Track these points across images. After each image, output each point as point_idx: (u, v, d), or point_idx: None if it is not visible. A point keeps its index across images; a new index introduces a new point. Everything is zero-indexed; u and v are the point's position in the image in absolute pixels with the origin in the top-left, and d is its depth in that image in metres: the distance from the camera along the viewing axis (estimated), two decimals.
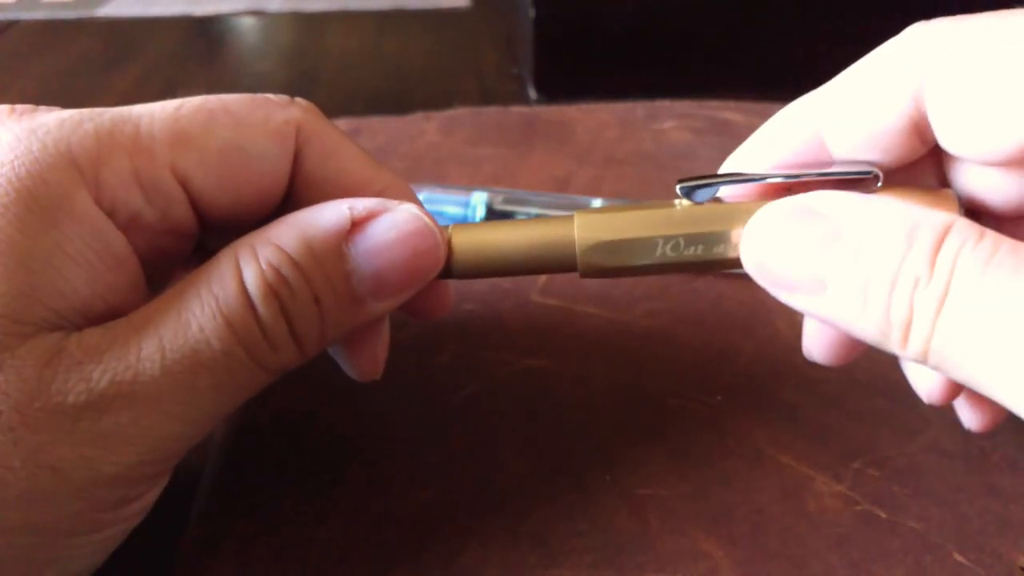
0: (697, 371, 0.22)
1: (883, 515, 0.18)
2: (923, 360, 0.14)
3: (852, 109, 0.16)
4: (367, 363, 0.18)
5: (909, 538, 0.18)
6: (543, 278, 0.26)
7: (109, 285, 0.15)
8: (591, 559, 0.17)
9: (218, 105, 0.16)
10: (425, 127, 0.35)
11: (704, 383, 0.22)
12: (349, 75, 0.48)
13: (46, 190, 0.14)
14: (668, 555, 0.17)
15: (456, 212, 0.27)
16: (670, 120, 0.35)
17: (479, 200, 0.27)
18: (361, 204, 0.16)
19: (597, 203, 0.26)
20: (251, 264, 0.15)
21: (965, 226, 0.13)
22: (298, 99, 0.18)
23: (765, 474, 0.19)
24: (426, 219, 0.16)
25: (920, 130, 0.16)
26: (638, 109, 0.36)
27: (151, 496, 0.16)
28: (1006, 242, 0.13)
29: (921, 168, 0.17)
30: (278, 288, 0.15)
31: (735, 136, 0.34)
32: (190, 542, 0.18)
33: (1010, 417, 0.20)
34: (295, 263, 0.15)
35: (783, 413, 0.21)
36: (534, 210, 0.26)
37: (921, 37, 0.16)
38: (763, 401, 0.21)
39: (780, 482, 0.19)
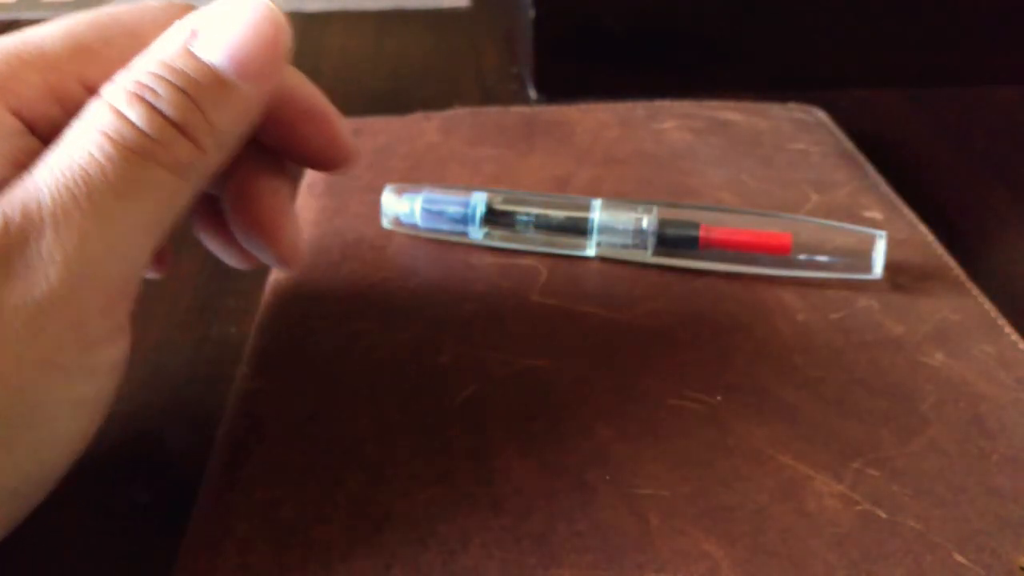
0: (697, 371, 0.22)
1: (883, 515, 0.18)
2: None
3: None
4: (285, 248, 0.20)
5: (909, 538, 0.18)
6: (543, 278, 0.26)
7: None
8: (591, 559, 0.17)
9: (109, 18, 0.18)
10: (425, 127, 0.35)
11: (704, 383, 0.22)
12: (349, 75, 0.48)
13: None
14: (668, 555, 0.17)
15: (456, 212, 0.27)
16: (670, 120, 0.35)
17: (479, 200, 0.27)
18: (192, 17, 0.17)
19: (597, 203, 0.26)
20: (112, 90, 0.16)
21: None
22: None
23: (765, 474, 0.19)
24: None
25: None
26: (638, 109, 0.36)
27: (116, 352, 0.16)
28: None
29: None
30: (141, 92, 0.16)
31: (735, 136, 0.34)
32: (190, 542, 0.18)
33: (1010, 416, 0.20)
34: (153, 75, 0.16)
35: (783, 413, 0.21)
36: (535, 210, 0.26)
37: None
38: (763, 401, 0.21)
39: (780, 482, 0.19)
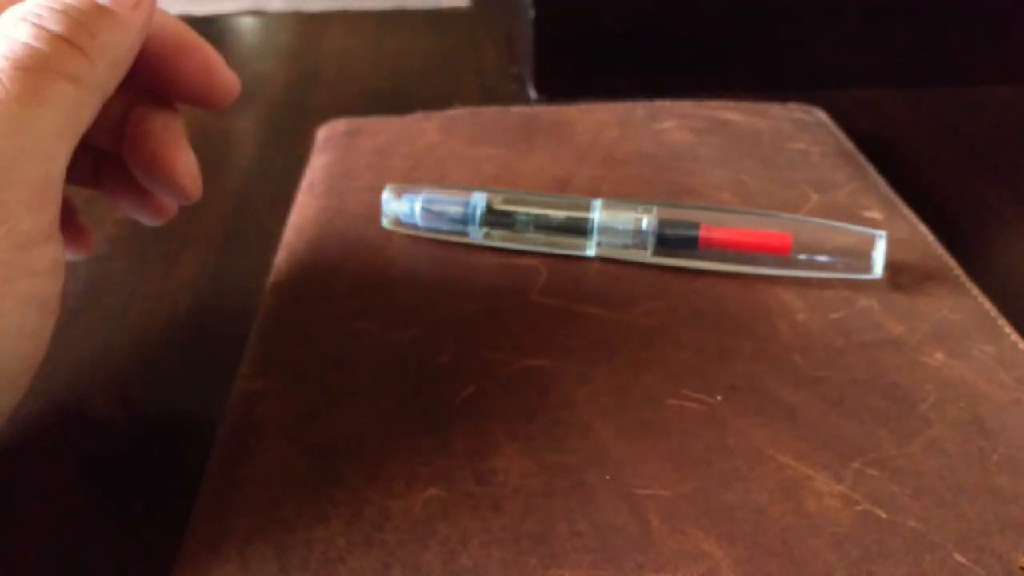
0: (697, 371, 0.22)
1: (883, 515, 0.18)
2: None
3: None
4: (184, 178, 0.22)
5: (909, 538, 0.18)
6: (543, 278, 0.26)
7: None
8: (591, 559, 0.17)
9: None
10: (425, 127, 0.35)
11: (704, 383, 0.22)
12: (349, 75, 0.48)
13: None
14: (668, 555, 0.17)
15: (456, 212, 0.27)
16: (670, 120, 0.35)
17: (479, 200, 0.27)
18: None
19: (597, 203, 0.26)
20: (8, 20, 0.18)
21: None
22: None
23: (765, 474, 0.19)
24: None
25: None
26: (638, 109, 0.36)
27: (50, 251, 0.18)
28: None
29: None
30: (29, 18, 0.18)
31: (735, 136, 0.34)
32: (190, 542, 0.18)
33: (1010, 416, 0.20)
34: (36, 3, 0.18)
35: (783, 413, 0.21)
36: (535, 210, 0.26)
37: None
38: (763, 401, 0.21)
39: (780, 482, 0.19)
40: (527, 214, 0.26)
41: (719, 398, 0.21)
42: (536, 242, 0.27)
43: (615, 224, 0.26)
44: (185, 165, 0.22)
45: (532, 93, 0.44)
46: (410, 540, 0.18)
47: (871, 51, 0.43)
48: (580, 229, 0.26)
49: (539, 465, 0.19)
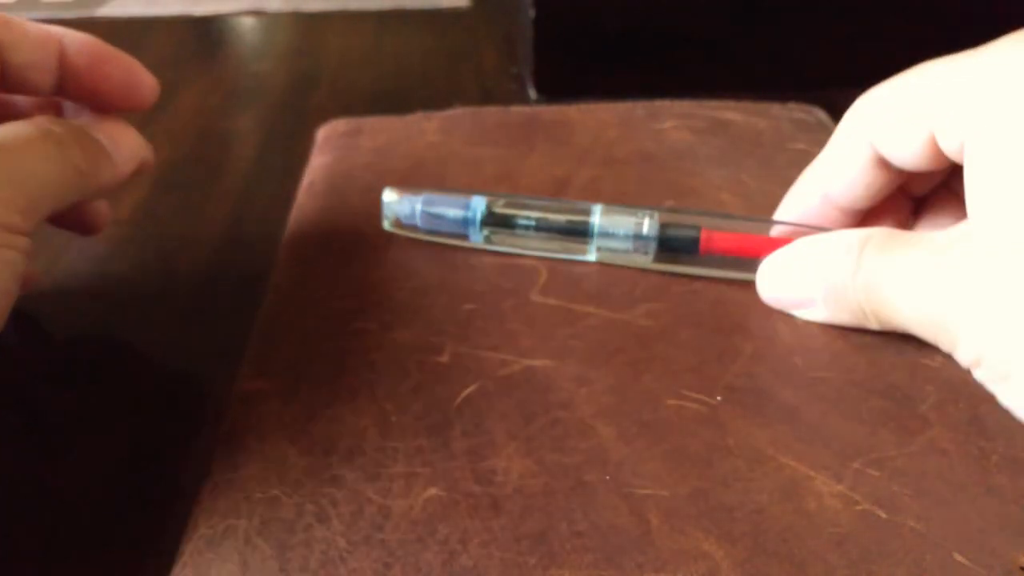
0: (697, 371, 0.22)
1: (883, 515, 0.18)
2: (884, 329, 0.22)
3: (836, 169, 0.24)
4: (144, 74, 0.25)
5: (909, 538, 0.18)
6: (543, 278, 0.26)
7: None
8: (591, 559, 0.17)
9: None
10: (425, 127, 0.35)
11: (704, 383, 0.22)
12: (349, 75, 0.48)
13: None
14: (668, 555, 0.17)
15: (457, 215, 0.27)
16: (670, 120, 0.35)
17: (479, 204, 0.27)
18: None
19: (598, 208, 0.26)
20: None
21: (879, 231, 0.22)
22: None
23: (765, 474, 0.19)
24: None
25: (883, 164, 0.23)
26: (638, 109, 0.36)
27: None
28: (898, 233, 0.22)
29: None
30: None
31: (735, 136, 0.34)
32: (191, 542, 0.18)
33: (1010, 417, 0.20)
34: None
35: (783, 413, 0.21)
36: (535, 214, 0.26)
37: (863, 106, 0.24)
38: (763, 401, 0.21)
39: (780, 482, 0.19)
40: (528, 218, 0.26)
41: (719, 398, 0.21)
42: (536, 246, 0.27)
43: (615, 229, 0.26)
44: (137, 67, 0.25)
45: (532, 93, 0.44)
46: (410, 540, 0.18)
47: (871, 51, 0.43)
48: (581, 233, 0.26)
49: (539, 465, 0.19)
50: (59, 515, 0.21)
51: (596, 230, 0.26)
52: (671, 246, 0.25)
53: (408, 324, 0.24)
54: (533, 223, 0.26)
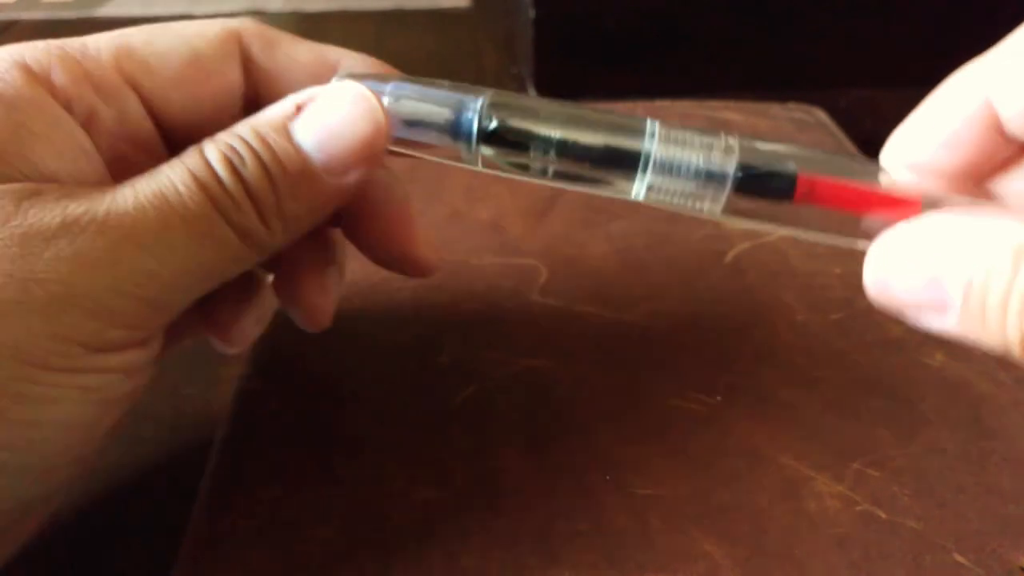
0: (697, 371, 0.22)
1: (883, 515, 0.18)
2: None
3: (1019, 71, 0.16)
4: (314, 319, 0.20)
5: (909, 538, 0.18)
6: (543, 278, 0.26)
7: (73, 173, 0.16)
8: (591, 559, 0.17)
9: (159, 26, 0.19)
10: None
11: (704, 383, 0.22)
12: None
13: (2, 86, 0.16)
14: (668, 555, 0.17)
15: (442, 117, 0.18)
16: (670, 120, 0.35)
17: (475, 105, 0.18)
18: (306, 92, 0.17)
19: (655, 128, 0.17)
20: (210, 143, 0.16)
21: None
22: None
23: (765, 474, 0.19)
24: (362, 88, 0.17)
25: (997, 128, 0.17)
26: (638, 109, 0.36)
27: (133, 357, 0.16)
28: None
29: None
30: (231, 156, 0.16)
31: None
32: (191, 542, 0.18)
33: (1010, 417, 0.20)
34: (245, 141, 0.16)
35: (783, 413, 0.21)
36: (558, 132, 0.17)
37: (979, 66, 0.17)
38: (763, 401, 0.21)
39: (780, 482, 0.19)
40: (547, 138, 0.17)
41: (719, 398, 0.21)
42: (557, 176, 0.17)
43: (678, 161, 0.17)
44: (321, 310, 0.20)
45: (532, 93, 0.44)
46: (410, 540, 0.18)
47: (871, 51, 0.43)
48: (626, 163, 0.17)
49: (539, 465, 0.19)
50: (58, 515, 0.21)
51: (651, 160, 0.17)
52: (753, 190, 0.17)
53: (408, 324, 0.24)
54: (555, 145, 0.17)
